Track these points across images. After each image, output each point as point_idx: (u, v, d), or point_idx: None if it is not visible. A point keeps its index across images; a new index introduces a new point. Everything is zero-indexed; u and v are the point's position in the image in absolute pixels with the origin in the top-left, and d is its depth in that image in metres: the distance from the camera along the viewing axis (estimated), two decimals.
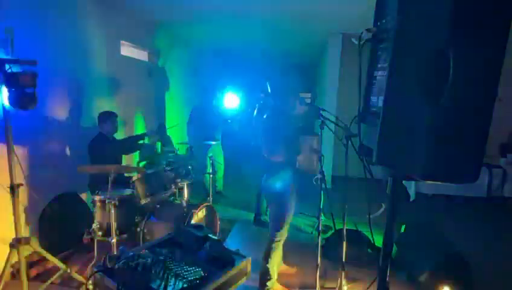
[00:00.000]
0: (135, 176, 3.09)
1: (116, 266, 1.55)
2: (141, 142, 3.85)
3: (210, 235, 1.83)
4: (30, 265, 2.76)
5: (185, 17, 4.70)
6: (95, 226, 2.69)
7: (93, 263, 2.75)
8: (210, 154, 4.46)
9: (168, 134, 5.49)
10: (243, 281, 1.76)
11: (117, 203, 2.60)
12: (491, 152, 4.93)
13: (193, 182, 3.48)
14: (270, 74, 2.55)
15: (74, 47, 3.49)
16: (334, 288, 2.52)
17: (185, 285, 1.47)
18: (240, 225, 4.03)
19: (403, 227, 3.36)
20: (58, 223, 3.10)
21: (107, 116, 3.42)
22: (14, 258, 2.20)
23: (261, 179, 2.56)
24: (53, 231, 3.09)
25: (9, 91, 2.03)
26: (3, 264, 2.20)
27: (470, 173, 0.89)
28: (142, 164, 4.50)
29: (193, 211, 2.93)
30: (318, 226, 2.50)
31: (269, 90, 2.53)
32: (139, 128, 4.96)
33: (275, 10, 4.19)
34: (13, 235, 2.20)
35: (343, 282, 2.46)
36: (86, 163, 3.27)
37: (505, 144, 5.15)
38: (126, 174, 3.48)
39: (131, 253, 1.65)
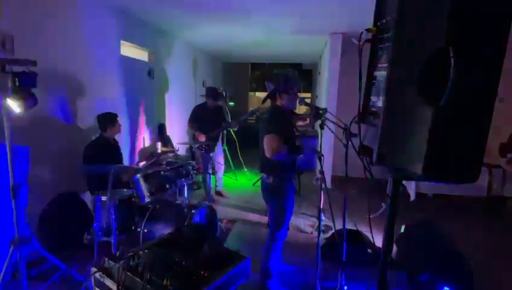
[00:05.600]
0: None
1: (116, 266, 1.56)
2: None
3: (210, 235, 1.83)
4: (30, 265, 2.76)
5: (185, 18, 4.70)
6: (95, 226, 2.69)
7: (93, 263, 2.75)
8: (210, 154, 4.46)
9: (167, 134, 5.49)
10: (243, 281, 1.76)
11: (117, 203, 2.60)
12: (491, 152, 4.92)
13: (193, 182, 3.47)
14: (271, 75, 2.54)
15: (74, 47, 3.48)
16: (334, 288, 2.52)
17: (185, 285, 1.47)
18: (239, 225, 4.03)
19: (403, 227, 3.36)
20: (58, 223, 3.10)
21: (114, 119, 3.36)
22: (14, 258, 2.20)
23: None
24: (53, 231, 3.09)
25: (9, 91, 2.03)
26: (3, 264, 2.19)
27: (470, 173, 0.89)
28: None
29: (193, 211, 2.93)
30: (318, 226, 2.50)
31: (269, 91, 2.53)
32: (138, 128, 4.97)
33: (275, 10, 4.19)
34: (13, 235, 2.20)
35: (343, 282, 2.46)
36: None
37: (505, 144, 5.14)
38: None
39: (131, 253, 1.66)
